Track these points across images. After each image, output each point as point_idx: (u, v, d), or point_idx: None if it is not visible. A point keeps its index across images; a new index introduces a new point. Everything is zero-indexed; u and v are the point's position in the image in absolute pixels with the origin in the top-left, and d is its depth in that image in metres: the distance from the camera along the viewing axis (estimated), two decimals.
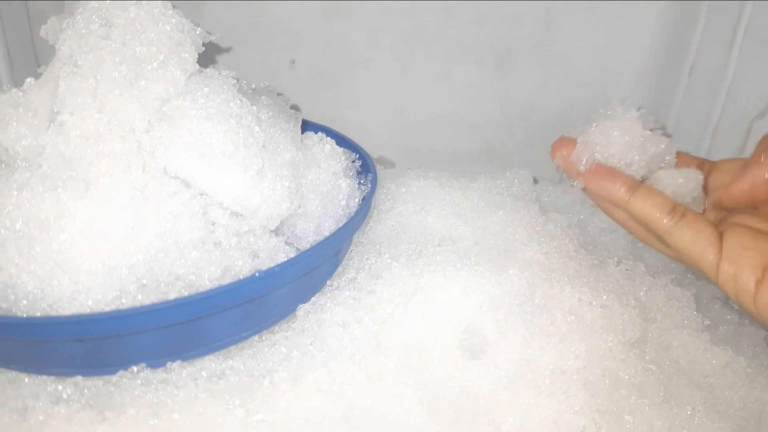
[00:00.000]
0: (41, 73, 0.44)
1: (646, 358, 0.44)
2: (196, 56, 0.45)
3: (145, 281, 0.37)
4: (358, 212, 0.45)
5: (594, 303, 0.44)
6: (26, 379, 0.39)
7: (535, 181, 0.63)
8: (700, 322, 0.48)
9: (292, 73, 0.72)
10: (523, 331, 0.42)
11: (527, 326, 0.42)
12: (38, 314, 0.36)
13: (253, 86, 0.52)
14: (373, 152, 0.75)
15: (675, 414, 0.41)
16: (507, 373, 0.41)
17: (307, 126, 0.55)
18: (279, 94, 0.53)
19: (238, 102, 0.43)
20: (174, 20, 0.44)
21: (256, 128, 0.43)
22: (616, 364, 0.42)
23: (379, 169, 0.54)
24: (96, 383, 0.38)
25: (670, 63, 0.68)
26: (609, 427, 0.39)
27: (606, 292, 0.45)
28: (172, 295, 0.37)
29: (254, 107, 0.44)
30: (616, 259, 0.51)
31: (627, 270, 0.50)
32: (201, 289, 0.37)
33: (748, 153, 0.45)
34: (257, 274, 0.37)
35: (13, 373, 0.39)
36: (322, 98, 0.73)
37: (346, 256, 0.50)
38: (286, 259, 0.41)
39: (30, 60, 0.68)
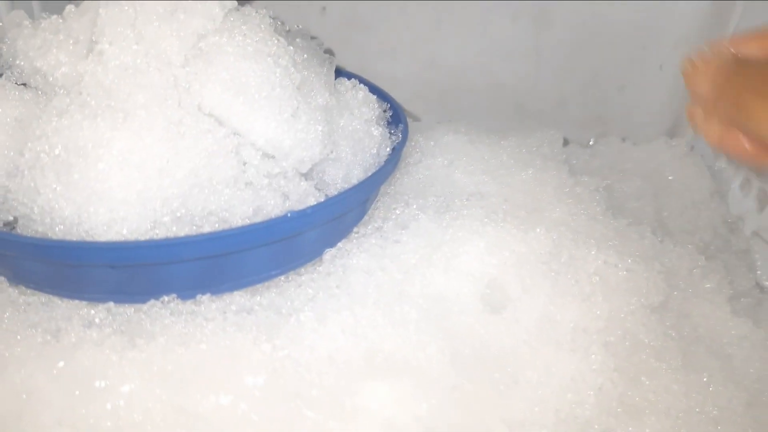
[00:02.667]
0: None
1: (667, 323, 0.44)
2: None
3: (179, 214, 0.37)
4: (389, 161, 0.45)
5: (619, 266, 0.44)
6: (59, 302, 0.40)
7: (565, 142, 0.63)
8: (723, 292, 0.48)
9: (322, 19, 0.71)
10: (547, 289, 0.42)
11: (552, 284, 0.42)
12: (74, 239, 0.36)
13: (287, 28, 0.51)
14: (401, 104, 0.74)
15: (691, 380, 0.41)
16: (528, 329, 0.42)
17: (337, 73, 0.54)
18: (313, 38, 0.53)
19: (276, 41, 0.42)
20: None
21: (292, 69, 0.42)
22: (637, 327, 0.42)
23: (408, 121, 0.53)
24: (127, 310, 0.39)
25: (712, 28, 0.66)
26: (626, 388, 0.40)
27: (631, 256, 0.45)
28: (206, 229, 0.37)
29: (291, 48, 0.43)
30: (642, 225, 0.50)
31: (653, 236, 0.49)
32: (234, 226, 0.38)
33: None
34: (289, 215, 0.38)
35: (47, 296, 0.41)
36: (351, 46, 0.72)
37: (373, 205, 0.51)
38: (315, 203, 0.41)
39: None
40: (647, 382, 0.40)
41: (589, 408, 0.39)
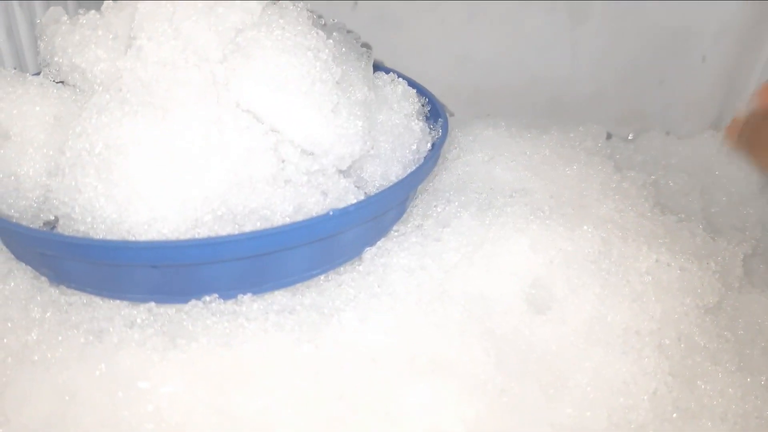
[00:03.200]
0: None
1: (722, 324, 0.42)
2: None
3: (220, 212, 0.36)
4: (430, 157, 0.44)
5: (672, 264, 0.42)
6: (101, 302, 0.40)
7: (608, 136, 0.61)
8: None
9: (353, 14, 0.70)
10: (596, 288, 0.41)
11: (601, 284, 0.41)
12: (116, 239, 0.36)
13: (323, 22, 0.50)
14: None
15: (748, 383, 0.40)
16: (575, 330, 0.40)
17: (374, 68, 0.53)
18: (349, 31, 0.52)
19: (315, 34, 0.41)
20: None
21: (332, 63, 0.41)
22: (691, 329, 0.41)
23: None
24: (168, 310, 0.39)
25: (754, 20, 0.64)
26: (681, 392, 0.38)
27: (684, 255, 0.43)
28: (248, 228, 0.36)
29: (330, 41, 0.42)
30: (692, 221, 0.49)
31: (704, 233, 0.47)
32: (275, 224, 0.37)
33: None
34: (331, 213, 0.37)
35: (88, 296, 0.40)
36: (382, 42, 0.70)
37: (412, 203, 0.49)
38: (355, 201, 0.40)
39: None
40: (703, 386, 0.39)
41: (643, 413, 0.37)
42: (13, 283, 0.41)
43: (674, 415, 0.38)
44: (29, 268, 0.42)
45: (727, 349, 0.41)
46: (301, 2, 0.45)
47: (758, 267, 0.49)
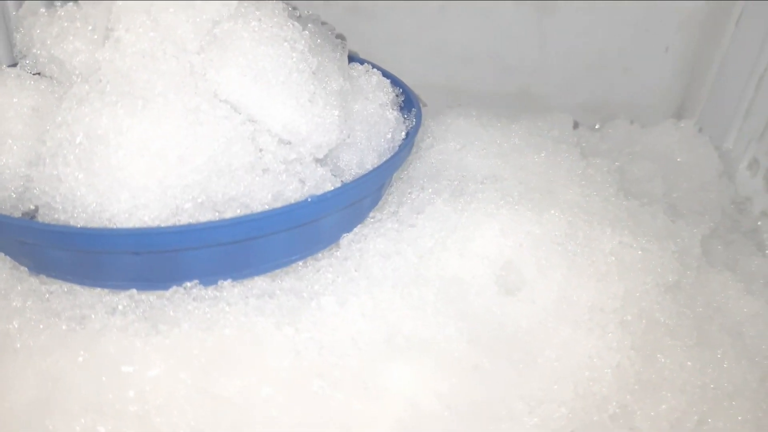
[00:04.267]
0: None
1: (681, 302, 0.44)
2: None
3: (200, 200, 0.37)
4: (405, 145, 0.45)
5: (634, 245, 0.44)
6: (82, 290, 0.40)
7: (575, 125, 0.63)
8: (734, 271, 0.49)
9: (326, 6, 0.71)
10: (564, 269, 0.43)
11: (568, 265, 0.43)
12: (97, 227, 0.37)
13: (298, 14, 0.51)
14: None
15: (706, 357, 0.42)
16: (545, 309, 0.42)
17: (348, 59, 0.54)
18: (324, 23, 0.53)
19: (291, 26, 0.42)
20: None
21: (309, 54, 0.42)
22: (652, 306, 0.43)
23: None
24: (150, 297, 0.40)
25: (716, 10, 0.66)
26: (643, 365, 0.40)
27: (646, 236, 0.45)
28: (228, 215, 0.37)
29: (306, 32, 0.43)
30: (655, 205, 0.51)
31: (665, 216, 0.50)
32: (255, 211, 0.38)
33: None
34: (309, 200, 0.38)
35: (69, 284, 0.41)
36: (356, 33, 0.71)
37: (388, 190, 0.51)
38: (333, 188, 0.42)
39: None
40: (663, 360, 0.41)
41: (606, 385, 0.39)
42: None
43: (636, 387, 0.40)
44: (8, 258, 0.42)
45: (686, 324, 0.43)
46: None
47: (716, 248, 0.52)
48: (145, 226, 0.37)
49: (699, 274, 0.47)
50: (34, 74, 0.43)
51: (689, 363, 0.41)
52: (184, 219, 0.37)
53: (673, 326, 0.43)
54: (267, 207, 0.39)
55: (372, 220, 0.48)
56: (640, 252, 0.44)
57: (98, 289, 0.40)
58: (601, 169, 0.52)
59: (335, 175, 0.46)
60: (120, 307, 0.39)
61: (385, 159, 0.46)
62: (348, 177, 0.48)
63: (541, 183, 0.49)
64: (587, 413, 0.38)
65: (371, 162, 0.48)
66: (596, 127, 0.70)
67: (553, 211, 0.46)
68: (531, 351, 0.40)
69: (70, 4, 0.41)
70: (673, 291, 0.45)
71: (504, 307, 0.43)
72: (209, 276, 0.39)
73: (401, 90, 0.53)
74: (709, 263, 0.49)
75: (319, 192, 0.42)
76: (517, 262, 0.44)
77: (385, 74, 0.54)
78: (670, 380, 0.40)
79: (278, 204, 0.40)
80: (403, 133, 0.49)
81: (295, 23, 0.43)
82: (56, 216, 0.38)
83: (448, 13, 0.69)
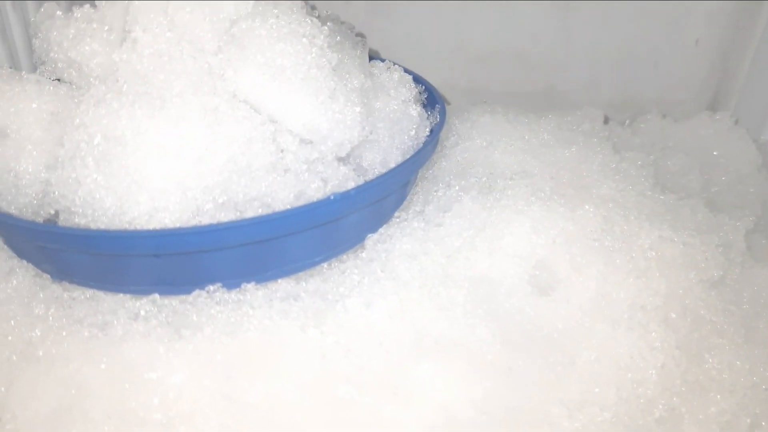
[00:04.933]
0: None
1: (726, 298, 0.42)
2: None
3: (221, 201, 0.36)
4: (429, 140, 0.44)
5: (675, 240, 0.42)
6: (104, 296, 0.40)
7: (606, 120, 0.61)
8: None
9: (346, 5, 0.70)
10: (600, 266, 0.41)
11: (605, 261, 0.41)
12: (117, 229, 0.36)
13: (317, 13, 0.50)
14: None
15: (756, 355, 0.40)
16: (581, 308, 0.40)
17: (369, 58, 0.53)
18: (343, 22, 0.52)
19: (309, 22, 0.41)
20: None
21: (328, 49, 0.41)
22: (697, 303, 0.40)
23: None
24: (172, 302, 0.39)
25: (744, 5, 0.64)
26: (689, 365, 0.38)
27: (687, 230, 0.43)
28: (249, 215, 0.36)
29: (325, 27, 0.42)
30: (694, 199, 0.49)
31: (706, 210, 0.47)
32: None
33: None
34: (332, 197, 0.37)
35: (91, 290, 0.40)
36: (376, 33, 0.71)
37: (412, 189, 0.49)
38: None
39: None
40: (710, 359, 0.39)
41: (651, 387, 0.37)
42: (15, 281, 0.40)
43: (683, 388, 0.37)
44: (31, 266, 0.42)
45: (732, 322, 0.41)
46: None
47: (760, 242, 0.49)
48: (165, 228, 0.36)
49: (744, 270, 0.45)
50: (53, 80, 0.43)
51: (738, 362, 0.39)
52: (205, 220, 0.36)
53: (719, 324, 0.40)
54: (289, 206, 0.38)
55: (397, 219, 0.46)
56: (681, 246, 0.42)
57: (120, 295, 0.40)
58: (635, 163, 0.50)
59: (359, 175, 0.45)
60: (142, 312, 0.38)
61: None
62: (371, 176, 0.46)
63: (573, 178, 0.47)
64: (632, 417, 0.36)
65: (395, 160, 0.47)
66: (626, 123, 0.67)
67: (587, 207, 0.44)
68: (568, 352, 0.38)
69: (87, 5, 0.40)
70: (717, 287, 0.42)
71: (537, 307, 0.41)
72: (232, 279, 0.38)
73: (423, 87, 0.52)
74: (753, 258, 0.47)
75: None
76: (549, 260, 0.42)
77: (407, 72, 0.53)
78: (718, 381, 0.38)
79: (300, 203, 0.39)
80: (427, 130, 0.47)
81: (314, 19, 0.42)
82: (76, 220, 0.37)
83: (468, 12, 0.68)
